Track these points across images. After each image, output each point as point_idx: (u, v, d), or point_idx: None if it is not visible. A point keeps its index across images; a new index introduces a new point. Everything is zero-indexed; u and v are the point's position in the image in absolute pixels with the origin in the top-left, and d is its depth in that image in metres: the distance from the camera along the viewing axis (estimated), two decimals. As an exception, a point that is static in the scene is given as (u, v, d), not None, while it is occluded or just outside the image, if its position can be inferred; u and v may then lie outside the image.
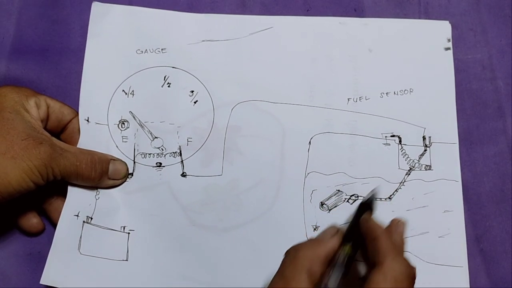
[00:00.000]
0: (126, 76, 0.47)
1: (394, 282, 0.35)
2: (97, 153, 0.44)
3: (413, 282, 0.36)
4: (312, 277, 0.35)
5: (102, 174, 0.44)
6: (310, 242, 0.38)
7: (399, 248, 0.40)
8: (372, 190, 0.42)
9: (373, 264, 0.36)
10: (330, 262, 0.37)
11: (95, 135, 0.45)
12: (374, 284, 0.34)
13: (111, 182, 0.45)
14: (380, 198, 0.45)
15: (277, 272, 0.37)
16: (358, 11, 0.51)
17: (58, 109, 0.44)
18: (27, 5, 0.50)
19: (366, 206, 0.41)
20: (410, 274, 0.36)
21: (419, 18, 0.51)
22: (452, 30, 0.50)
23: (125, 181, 0.45)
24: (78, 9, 0.50)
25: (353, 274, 0.42)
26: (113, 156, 0.45)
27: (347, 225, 0.41)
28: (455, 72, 0.49)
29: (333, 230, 0.39)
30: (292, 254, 0.37)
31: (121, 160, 0.45)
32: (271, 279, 0.37)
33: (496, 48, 0.50)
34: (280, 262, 0.38)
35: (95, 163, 0.43)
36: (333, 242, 0.37)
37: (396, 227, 0.43)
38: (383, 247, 0.36)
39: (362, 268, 0.42)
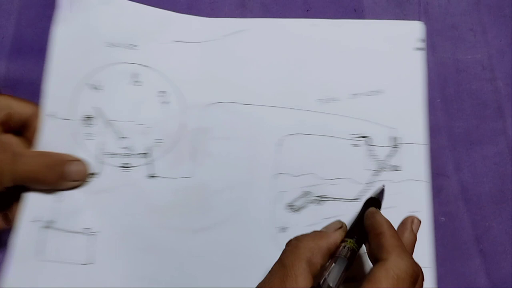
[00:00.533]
0: (94, 70, 0.45)
1: (396, 279, 0.33)
2: (53, 154, 0.42)
3: (416, 283, 0.35)
4: (311, 267, 0.35)
5: (60, 176, 0.41)
6: (313, 233, 0.38)
7: (409, 246, 0.40)
8: (381, 187, 0.42)
9: (376, 261, 0.35)
10: (332, 255, 0.36)
11: (59, 131, 0.44)
12: (375, 279, 0.33)
13: (70, 184, 0.42)
14: (349, 199, 0.45)
15: (277, 261, 0.36)
16: (358, 12, 0.51)
17: (22, 109, 0.42)
18: (27, 5, 0.50)
19: (373, 201, 0.41)
20: (414, 275, 0.34)
21: (419, 18, 0.50)
22: (452, 30, 0.49)
23: (87, 181, 0.43)
24: (78, 9, 0.50)
25: (356, 270, 0.41)
26: (71, 156, 0.43)
27: (352, 220, 0.40)
28: (455, 72, 0.48)
29: (337, 224, 0.39)
30: (293, 244, 0.37)
31: (80, 160, 0.43)
32: (270, 268, 0.36)
33: (496, 48, 0.50)
34: (251, 264, 0.37)
35: (52, 166, 0.41)
36: (336, 236, 0.37)
37: (410, 224, 0.42)
38: (388, 243, 0.35)
39: (366, 266, 0.42)
